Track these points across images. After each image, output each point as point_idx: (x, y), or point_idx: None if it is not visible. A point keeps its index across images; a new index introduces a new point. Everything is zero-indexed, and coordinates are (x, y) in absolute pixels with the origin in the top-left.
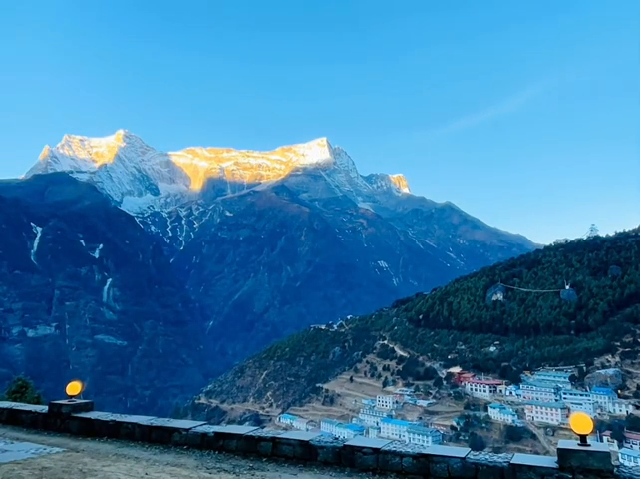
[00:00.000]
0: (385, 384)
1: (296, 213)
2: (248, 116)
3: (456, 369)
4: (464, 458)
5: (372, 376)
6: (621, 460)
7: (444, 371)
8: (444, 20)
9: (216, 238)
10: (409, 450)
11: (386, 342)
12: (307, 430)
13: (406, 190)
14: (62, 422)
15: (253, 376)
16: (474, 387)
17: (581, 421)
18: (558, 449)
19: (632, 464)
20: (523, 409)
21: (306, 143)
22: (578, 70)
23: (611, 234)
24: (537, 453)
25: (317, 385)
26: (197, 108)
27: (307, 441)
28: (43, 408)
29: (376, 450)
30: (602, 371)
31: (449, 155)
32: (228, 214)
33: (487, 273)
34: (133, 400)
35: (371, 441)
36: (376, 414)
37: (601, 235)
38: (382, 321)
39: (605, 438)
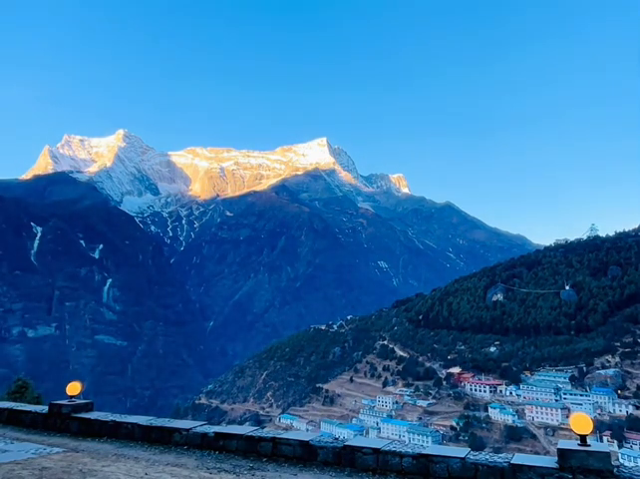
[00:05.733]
0: (385, 384)
1: (296, 213)
2: (248, 116)
3: (456, 369)
4: (464, 458)
5: (372, 376)
6: (621, 460)
7: (444, 371)
8: (444, 23)
9: (216, 238)
10: (409, 450)
11: (386, 342)
12: (307, 430)
13: (406, 190)
14: (62, 422)
15: (253, 376)
16: (474, 387)
17: (581, 421)
18: (558, 449)
19: (632, 464)
20: (523, 409)
21: (306, 143)
22: (579, 70)
23: (611, 234)
24: (537, 453)
25: (317, 385)
26: (197, 108)
27: (307, 441)
28: (43, 408)
29: (376, 450)
30: (602, 371)
31: (449, 155)
32: (228, 214)
33: (487, 273)
34: (133, 400)
35: (371, 441)
36: (376, 414)
37: (601, 235)
38: (382, 321)
39: (605, 438)
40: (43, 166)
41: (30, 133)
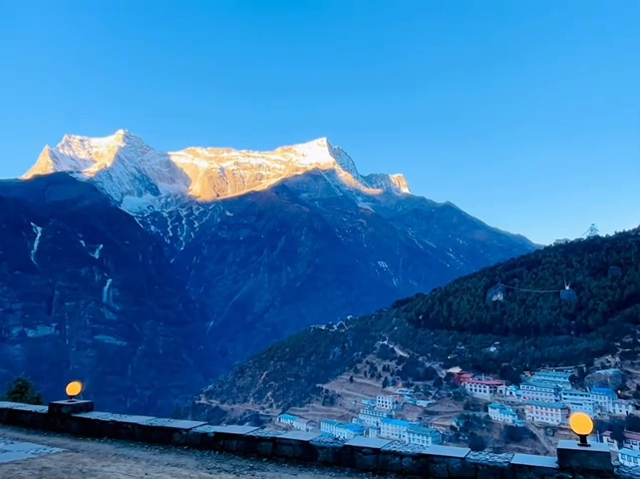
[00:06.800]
0: (385, 384)
1: (296, 213)
2: (248, 116)
3: (456, 369)
4: (464, 458)
5: (372, 376)
6: (621, 460)
7: (444, 371)
8: (445, 26)
9: (216, 238)
10: (409, 450)
11: (386, 342)
12: (307, 430)
13: (406, 190)
14: (62, 422)
15: (253, 376)
16: (474, 387)
17: (581, 421)
18: (558, 449)
19: (632, 464)
20: (523, 409)
21: (306, 143)
22: (579, 72)
23: (611, 234)
24: (537, 453)
25: (317, 385)
26: (198, 108)
27: (307, 441)
28: (43, 408)
29: (376, 450)
30: (602, 371)
31: (449, 155)
32: (228, 214)
33: (487, 273)
34: (133, 400)
35: (371, 441)
36: (376, 414)
37: (601, 235)
38: (382, 321)
39: (605, 438)
40: (43, 166)
41: (30, 133)
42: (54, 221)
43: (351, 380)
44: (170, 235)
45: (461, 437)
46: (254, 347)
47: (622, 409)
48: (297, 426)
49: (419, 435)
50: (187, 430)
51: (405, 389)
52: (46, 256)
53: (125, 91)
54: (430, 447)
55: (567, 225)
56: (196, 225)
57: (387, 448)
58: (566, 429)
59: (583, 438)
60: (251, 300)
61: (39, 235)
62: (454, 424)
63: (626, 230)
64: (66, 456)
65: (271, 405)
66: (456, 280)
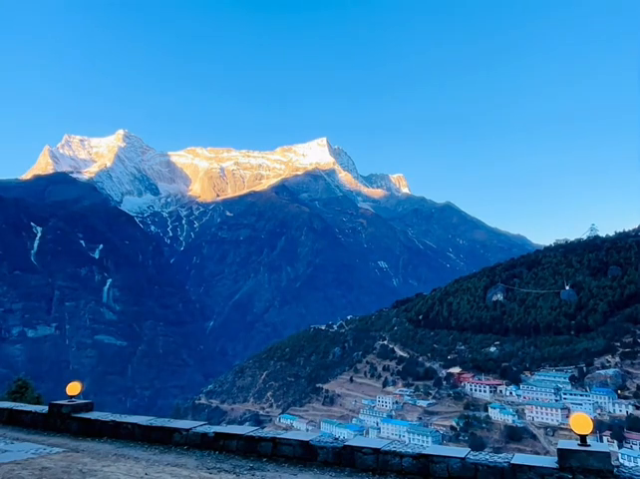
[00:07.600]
0: (385, 384)
1: (296, 213)
2: (248, 116)
3: (456, 369)
4: (464, 458)
5: (372, 376)
6: (621, 460)
7: (444, 371)
8: (446, 27)
9: (216, 238)
10: (409, 450)
11: (386, 342)
12: (307, 430)
13: (406, 190)
14: (62, 422)
15: (253, 376)
16: (474, 387)
17: (581, 421)
18: (558, 449)
19: (632, 464)
20: (523, 409)
21: (306, 143)
22: (580, 74)
23: (611, 234)
24: (537, 453)
25: (317, 385)
26: (198, 108)
27: (307, 441)
28: (43, 408)
29: (376, 450)
30: (602, 371)
31: (449, 155)
32: (228, 214)
33: (487, 273)
34: (133, 400)
35: (371, 441)
36: (376, 414)
37: (601, 235)
38: (382, 321)
39: (605, 438)
40: (43, 166)
41: (30, 133)
42: (54, 221)
43: (351, 380)
44: (170, 235)
45: (461, 437)
46: (254, 347)
47: (622, 409)
48: (297, 426)
49: (419, 435)
50: (187, 430)
51: (405, 389)
52: (46, 256)
53: (125, 91)
54: (430, 447)
55: (567, 225)
56: (196, 225)
57: (387, 448)
58: (566, 429)
59: (583, 438)
60: (251, 300)
61: (39, 235)
62: (454, 424)
63: (626, 230)
64: (66, 456)
65: (271, 405)
66: (456, 280)
